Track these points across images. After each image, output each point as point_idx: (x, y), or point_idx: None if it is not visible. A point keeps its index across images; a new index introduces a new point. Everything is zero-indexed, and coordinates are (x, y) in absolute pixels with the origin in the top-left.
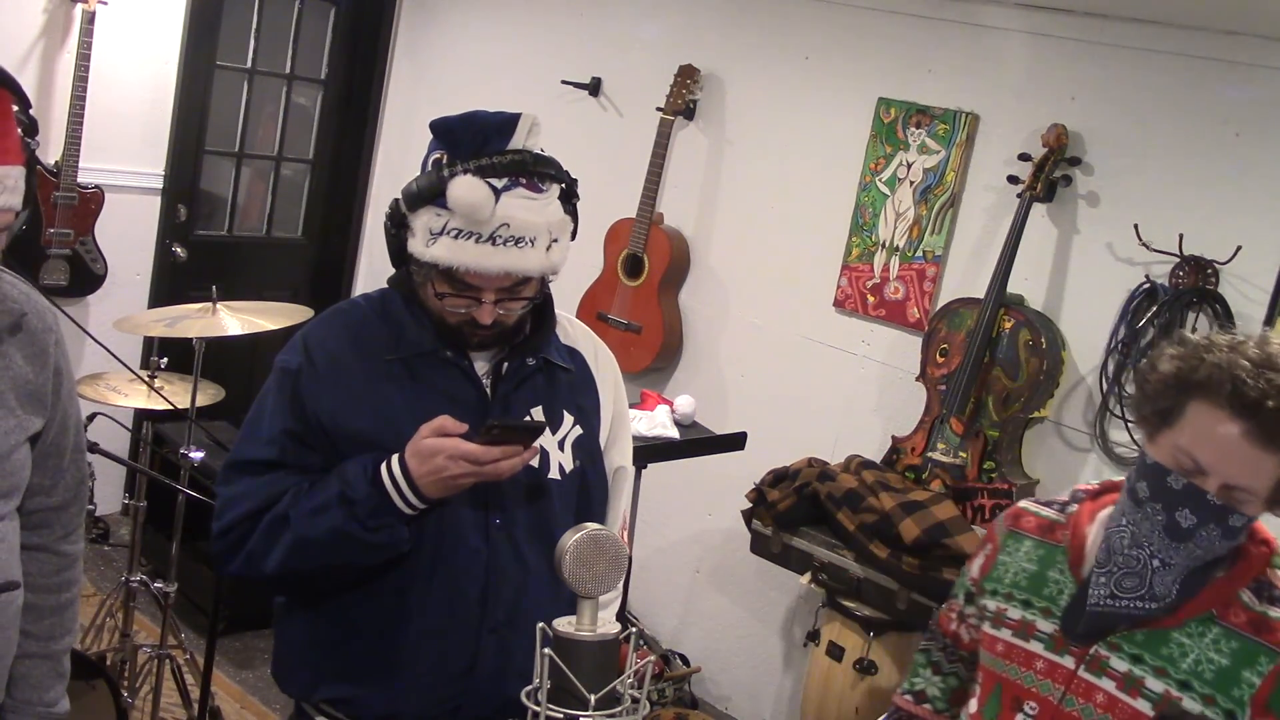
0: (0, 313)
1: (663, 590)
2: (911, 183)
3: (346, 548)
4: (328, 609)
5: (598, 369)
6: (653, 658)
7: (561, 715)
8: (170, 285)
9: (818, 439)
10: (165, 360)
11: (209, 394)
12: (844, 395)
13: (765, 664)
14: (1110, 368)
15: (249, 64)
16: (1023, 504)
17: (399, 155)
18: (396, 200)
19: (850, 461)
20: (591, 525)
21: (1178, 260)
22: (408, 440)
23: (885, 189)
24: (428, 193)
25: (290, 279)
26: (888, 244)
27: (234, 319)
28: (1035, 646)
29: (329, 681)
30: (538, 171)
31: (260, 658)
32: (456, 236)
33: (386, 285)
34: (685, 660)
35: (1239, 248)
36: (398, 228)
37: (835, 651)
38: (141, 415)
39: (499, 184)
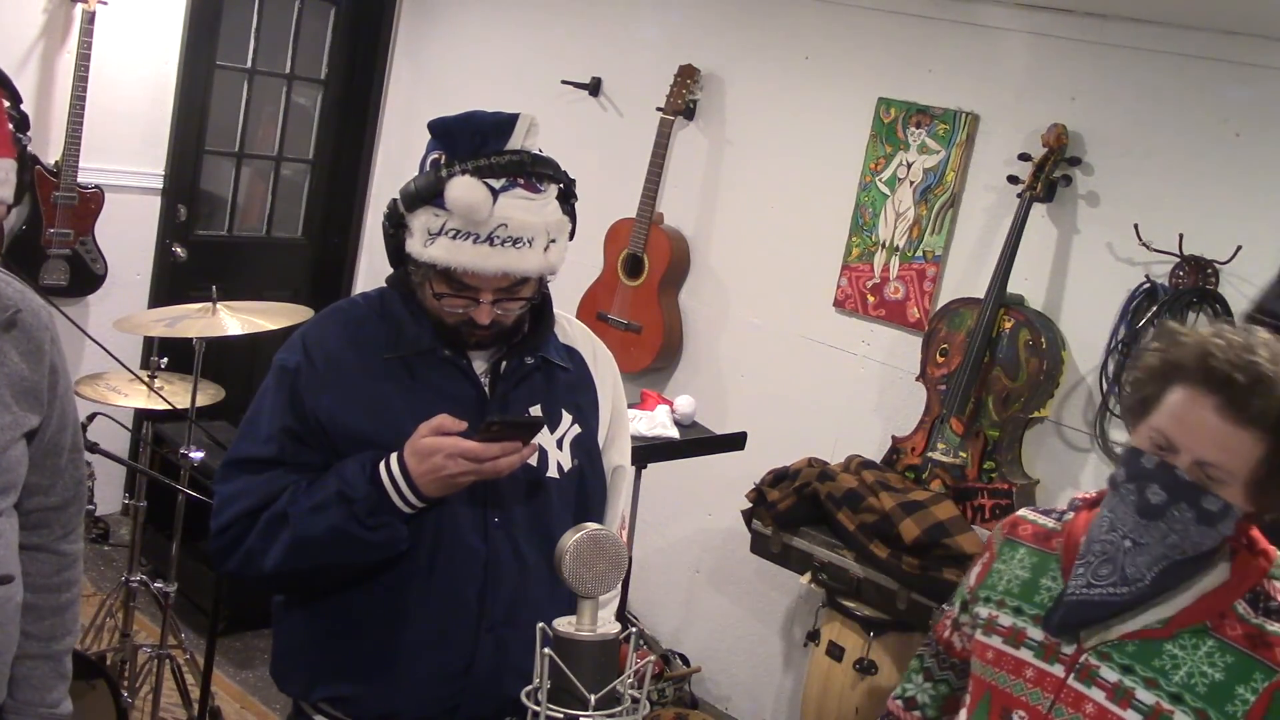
0: None
1: (663, 590)
2: (911, 183)
3: (345, 546)
4: (326, 608)
5: (596, 368)
6: (653, 657)
7: (561, 715)
8: (170, 285)
9: (818, 439)
10: (165, 360)
11: (209, 394)
12: (844, 395)
13: (765, 664)
14: (1110, 367)
15: (249, 64)
16: (1021, 512)
17: (399, 155)
18: (395, 200)
19: (850, 461)
20: (591, 525)
21: (1178, 260)
22: (406, 439)
23: (885, 189)
24: (426, 193)
25: (290, 279)
26: (888, 244)
27: (234, 319)
28: (1025, 654)
29: (327, 680)
30: (536, 172)
31: (260, 658)
32: (454, 237)
33: (385, 285)
34: (685, 660)
35: (1239, 248)
36: (396, 228)
37: (835, 651)
38: (141, 415)
39: (497, 184)
